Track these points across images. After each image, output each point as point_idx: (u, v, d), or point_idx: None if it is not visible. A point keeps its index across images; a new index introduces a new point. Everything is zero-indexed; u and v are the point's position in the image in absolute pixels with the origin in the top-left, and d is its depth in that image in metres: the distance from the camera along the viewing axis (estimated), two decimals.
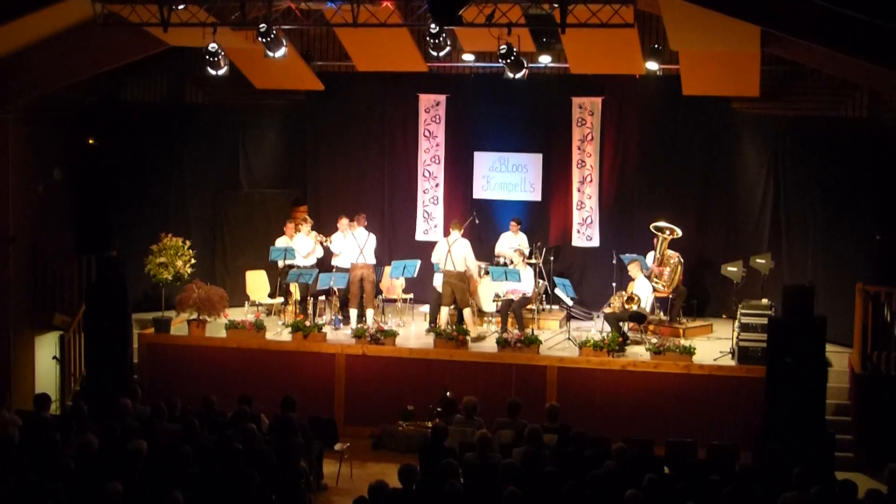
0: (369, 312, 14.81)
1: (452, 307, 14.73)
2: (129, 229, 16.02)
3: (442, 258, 14.64)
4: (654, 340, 13.84)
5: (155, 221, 16.05)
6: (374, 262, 15.11)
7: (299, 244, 15.52)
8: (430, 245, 15.52)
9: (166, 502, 8.16)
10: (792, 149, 15.31)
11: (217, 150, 17.05)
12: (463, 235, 14.91)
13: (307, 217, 16.05)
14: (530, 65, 13.69)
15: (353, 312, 14.89)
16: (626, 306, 14.13)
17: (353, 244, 14.95)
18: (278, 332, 14.60)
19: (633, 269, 14.46)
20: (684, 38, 13.29)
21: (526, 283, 14.78)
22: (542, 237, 16.45)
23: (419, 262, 15.18)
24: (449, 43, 12.40)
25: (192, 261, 15.05)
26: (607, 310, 14.75)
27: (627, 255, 15.03)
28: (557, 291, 14.79)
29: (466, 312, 14.47)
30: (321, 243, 15.49)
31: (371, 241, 15.07)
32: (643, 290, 14.25)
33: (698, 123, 16.06)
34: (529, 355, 13.50)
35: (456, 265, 14.46)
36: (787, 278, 14.62)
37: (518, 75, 12.94)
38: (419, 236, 16.91)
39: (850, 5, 9.93)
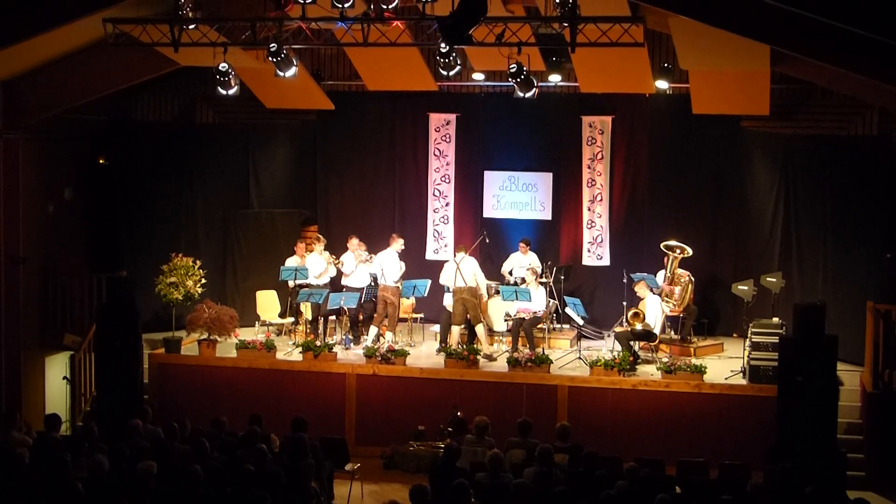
0: (387, 335, 14.81)
1: (463, 326, 14.73)
2: (140, 249, 16.04)
3: (451, 277, 14.66)
4: (664, 359, 13.81)
5: (165, 241, 16.11)
6: (394, 284, 15.07)
7: (312, 264, 15.55)
8: (441, 265, 15.54)
9: None
10: (802, 167, 15.29)
11: (227, 170, 17.11)
12: (472, 255, 14.96)
13: (320, 236, 16.05)
14: (540, 84, 13.74)
15: (373, 331, 14.92)
16: (631, 322, 14.12)
17: (382, 264, 15.03)
18: (289, 352, 14.60)
19: (641, 289, 14.45)
20: (694, 57, 13.33)
21: (537, 303, 14.78)
22: (553, 256, 16.45)
23: (430, 281, 15.18)
24: (459, 62, 12.44)
25: (203, 280, 15.10)
26: (618, 329, 14.73)
27: (638, 273, 15.03)
28: (568, 310, 14.79)
29: (479, 329, 14.49)
30: (333, 264, 15.49)
31: (390, 262, 15.07)
32: (653, 309, 14.23)
33: (708, 142, 16.09)
34: (540, 374, 13.49)
35: (466, 280, 14.50)
36: (797, 297, 14.59)
37: (528, 94, 12.96)
38: (429, 255, 16.93)
39: (861, 24, 9.96)
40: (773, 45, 12.09)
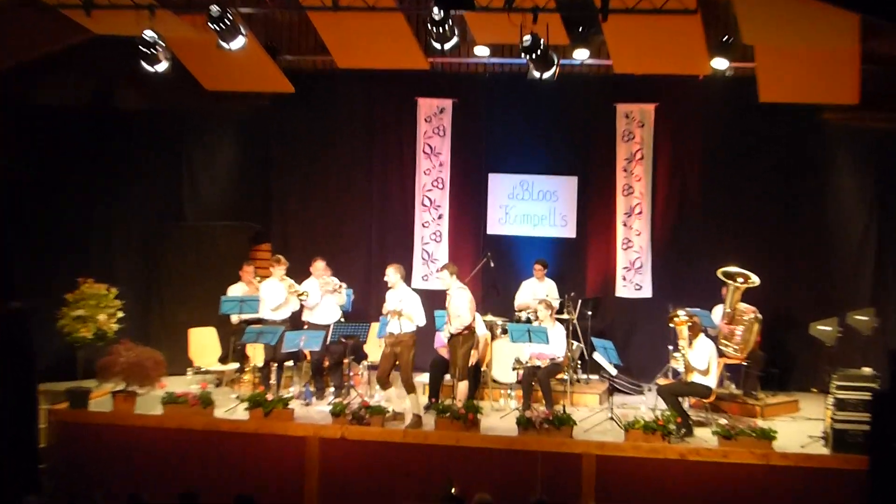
0: (410, 398, 14.48)
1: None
2: (39, 273, 15.97)
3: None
4: (722, 421, 13.77)
5: (71, 263, 16.04)
6: (411, 328, 14.37)
7: (268, 293, 15.47)
8: (431, 295, 15.50)
9: None
10: None
11: (154, 170, 17.13)
12: (470, 283, 14.90)
13: (280, 258, 15.90)
14: (562, 62, 13.73)
15: (392, 392, 14.73)
16: (673, 361, 14.08)
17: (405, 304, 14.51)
18: (231, 408, 14.53)
19: (683, 331, 14.35)
20: (762, 29, 13.33)
21: (555, 346, 14.74)
22: (577, 286, 16.46)
23: None
24: (457, 33, 12.45)
25: (119, 314, 15.03)
26: (662, 381, 14.67)
27: (687, 309, 14.98)
28: (597, 356, 14.73)
29: (461, 387, 14.32)
30: (297, 295, 15.37)
31: (411, 300, 14.35)
32: (702, 354, 14.15)
33: (779, 139, 16.14)
34: (560, 440, 13.42)
35: (451, 318, 14.34)
36: (894, 340, 14.58)
37: (546, 75, 12.96)
38: (417, 283, 16.93)
39: None
40: (864, 14, 12.09)
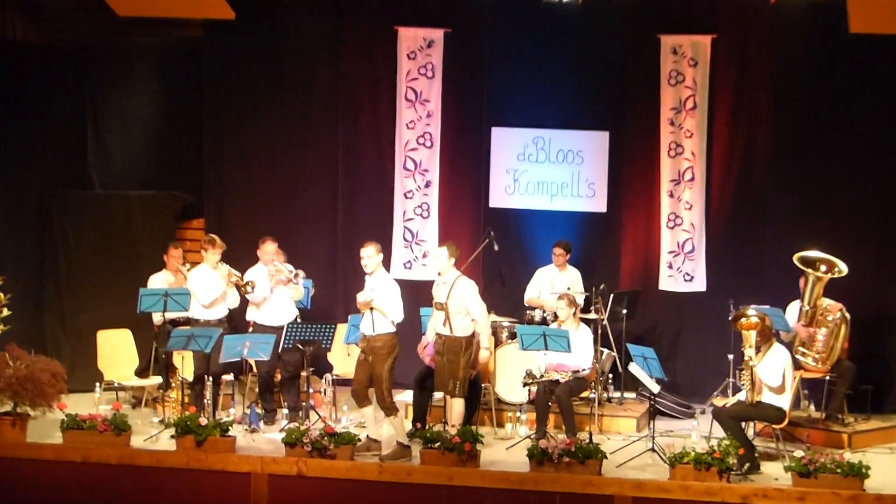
0: (392, 422, 14.45)
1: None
2: None
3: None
4: (798, 453, 13.80)
5: None
6: (387, 329, 14.60)
7: (198, 284, 15.47)
8: (416, 287, 15.55)
9: None
10: None
11: (50, 123, 17.15)
12: (466, 271, 14.91)
13: (214, 238, 15.88)
14: None
15: (371, 415, 14.66)
16: (741, 378, 14.12)
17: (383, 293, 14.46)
18: (153, 435, 14.56)
19: (751, 336, 14.40)
20: None
21: (579, 355, 14.79)
22: (609, 275, 16.55)
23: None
24: None
25: (4, 311, 15.07)
26: (719, 401, 14.72)
27: (755, 307, 15.03)
28: (633, 368, 14.79)
29: (456, 405, 14.38)
30: (239, 286, 15.38)
31: (384, 289, 14.43)
32: (775, 366, 14.22)
33: (875, 83, 16.18)
34: (586, 477, 13.45)
35: (452, 317, 14.39)
36: None
37: None
38: (397, 271, 17.01)
39: None
40: None
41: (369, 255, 13.94)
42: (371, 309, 13.84)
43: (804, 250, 15.22)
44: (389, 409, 14.02)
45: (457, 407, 14.32)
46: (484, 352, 14.47)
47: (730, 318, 15.18)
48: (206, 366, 15.04)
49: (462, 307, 14.26)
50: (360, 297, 13.95)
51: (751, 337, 14.09)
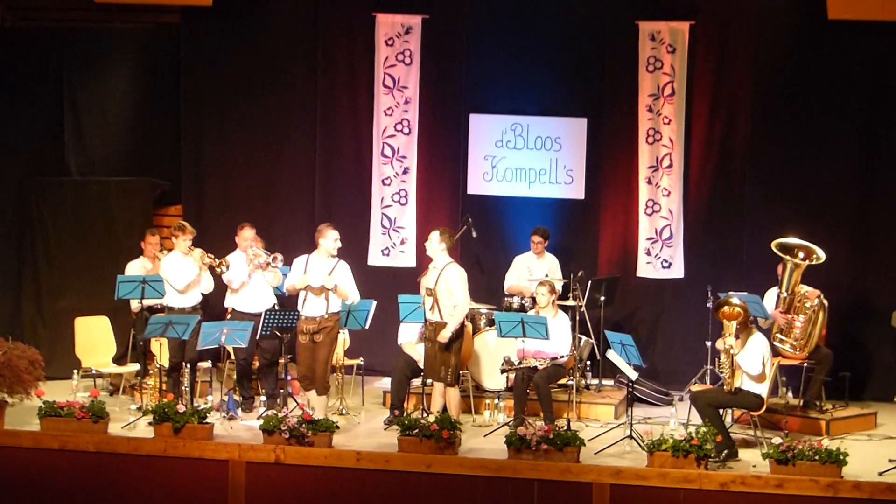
0: (319, 400, 14.61)
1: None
2: None
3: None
4: (776, 440, 13.81)
5: None
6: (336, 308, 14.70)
7: (171, 269, 15.43)
8: (393, 274, 15.52)
9: None
10: None
11: (27, 109, 17.12)
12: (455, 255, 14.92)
13: (184, 225, 15.88)
14: None
15: (317, 400, 14.71)
16: (727, 379, 14.11)
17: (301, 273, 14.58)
18: (131, 423, 14.54)
19: (731, 324, 14.38)
20: None
21: (557, 341, 14.79)
22: (587, 262, 16.55)
23: (374, 303, 15.18)
24: None
25: None
26: (697, 387, 14.72)
27: (732, 293, 15.02)
28: (612, 355, 14.79)
29: (451, 394, 14.39)
30: (214, 269, 15.36)
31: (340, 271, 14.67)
32: (755, 354, 14.21)
33: (854, 68, 16.19)
34: (563, 465, 13.44)
35: (441, 303, 14.40)
36: None
37: None
38: (374, 259, 17.03)
39: None
40: None
41: (329, 235, 14.19)
42: (334, 290, 13.94)
43: (782, 237, 15.25)
44: (327, 388, 14.39)
45: (453, 396, 14.34)
46: (443, 335, 14.41)
47: (709, 305, 15.22)
48: (181, 353, 15.01)
49: (451, 293, 14.28)
50: (317, 282, 14.01)
51: (732, 326, 14.10)
